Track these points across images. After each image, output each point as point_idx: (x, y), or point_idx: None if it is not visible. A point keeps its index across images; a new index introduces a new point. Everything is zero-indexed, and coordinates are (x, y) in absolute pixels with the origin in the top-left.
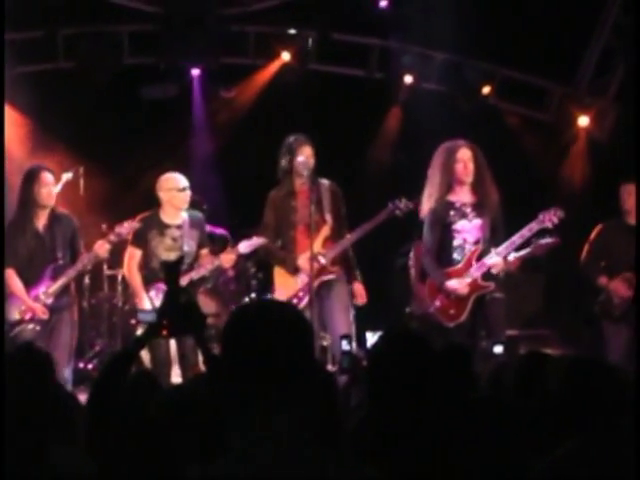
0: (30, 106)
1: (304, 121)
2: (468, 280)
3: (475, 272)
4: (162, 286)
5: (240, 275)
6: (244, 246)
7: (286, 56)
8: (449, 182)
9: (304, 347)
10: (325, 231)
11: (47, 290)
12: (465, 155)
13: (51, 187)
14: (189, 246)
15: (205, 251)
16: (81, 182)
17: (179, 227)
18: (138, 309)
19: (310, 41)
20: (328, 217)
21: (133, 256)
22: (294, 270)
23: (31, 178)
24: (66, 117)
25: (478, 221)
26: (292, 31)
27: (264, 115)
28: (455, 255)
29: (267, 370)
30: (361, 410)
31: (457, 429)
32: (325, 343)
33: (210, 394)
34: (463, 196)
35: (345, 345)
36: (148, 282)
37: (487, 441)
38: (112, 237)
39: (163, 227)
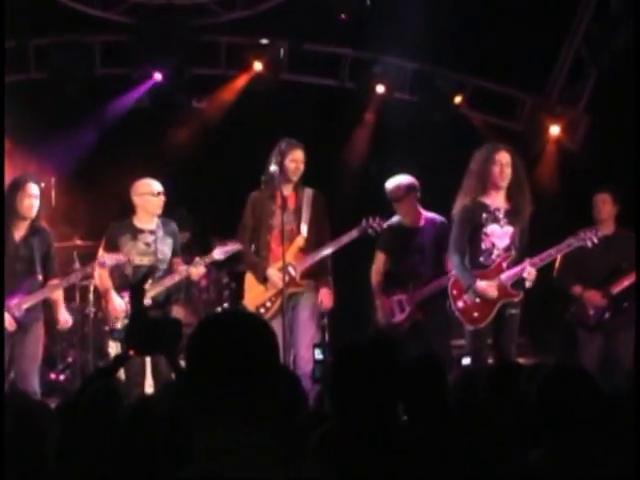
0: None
1: (276, 131)
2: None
3: (506, 279)
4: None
5: (213, 285)
6: (218, 252)
7: (258, 66)
8: (484, 184)
9: (268, 358)
10: (299, 242)
11: (20, 303)
12: (503, 159)
13: (34, 199)
14: (162, 252)
15: (178, 259)
16: (52, 193)
17: (152, 232)
18: (113, 328)
19: (282, 51)
20: (304, 228)
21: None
22: (263, 279)
23: (16, 187)
24: (38, 128)
25: (509, 228)
26: (264, 41)
27: (236, 125)
28: (481, 259)
29: (230, 381)
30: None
31: (426, 438)
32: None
33: (177, 405)
34: (498, 201)
35: (318, 354)
36: (120, 289)
37: (457, 449)
38: (96, 265)
39: (136, 232)
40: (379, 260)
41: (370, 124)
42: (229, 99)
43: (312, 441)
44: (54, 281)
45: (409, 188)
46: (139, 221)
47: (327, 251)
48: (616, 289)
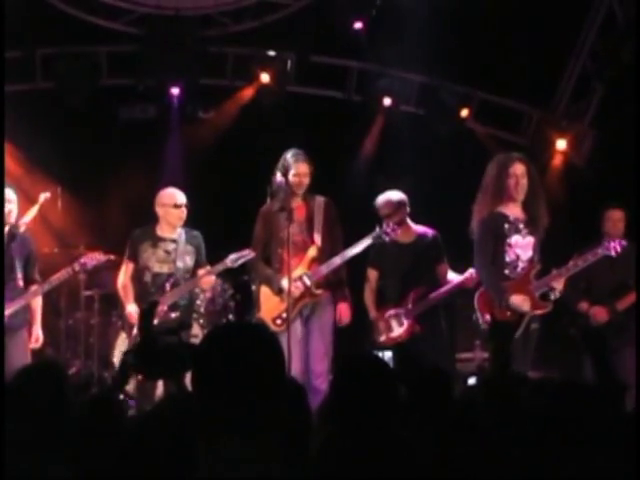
0: (7, 126)
1: (282, 143)
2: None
3: (535, 290)
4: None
5: (217, 296)
6: (233, 259)
7: (265, 78)
8: (501, 197)
9: (274, 370)
10: (312, 252)
11: None
12: (518, 170)
13: (11, 204)
14: (183, 261)
15: (203, 270)
16: (59, 202)
17: (174, 241)
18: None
19: (289, 63)
20: (317, 237)
21: (126, 270)
22: (278, 290)
23: None
24: (44, 137)
25: (531, 239)
26: (271, 53)
27: (242, 136)
28: (507, 271)
29: (234, 394)
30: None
31: (429, 451)
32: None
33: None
34: (515, 211)
35: None
36: (140, 298)
37: (460, 461)
38: (76, 266)
39: (157, 240)
40: (371, 277)
41: (376, 136)
42: (235, 110)
43: (312, 454)
44: (34, 287)
45: (399, 204)
46: (161, 230)
47: (340, 260)
48: (622, 305)
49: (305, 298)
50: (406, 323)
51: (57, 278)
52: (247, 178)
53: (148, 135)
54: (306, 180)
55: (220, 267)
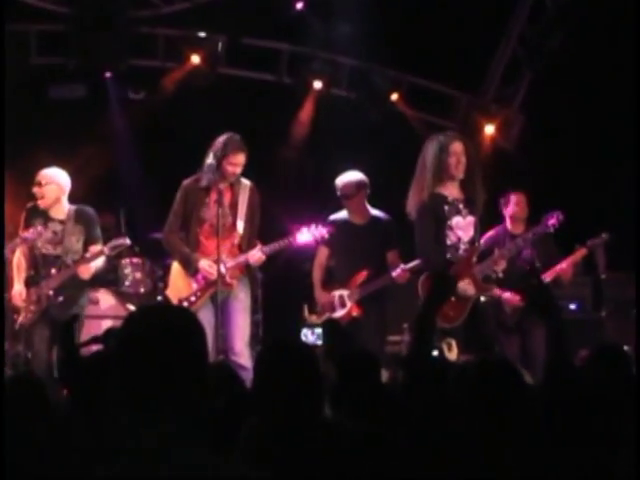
0: None
1: (213, 125)
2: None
3: (478, 273)
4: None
5: (146, 277)
6: (111, 246)
7: (196, 59)
8: (440, 176)
9: (192, 349)
10: (234, 238)
11: None
12: (458, 148)
13: None
14: (70, 243)
15: (95, 247)
16: None
17: (62, 222)
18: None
19: (220, 45)
20: (240, 224)
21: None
22: (194, 271)
23: None
24: None
25: (471, 218)
26: (202, 34)
27: (172, 118)
28: (448, 255)
29: (156, 376)
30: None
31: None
32: None
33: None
34: (454, 191)
35: None
36: (30, 279)
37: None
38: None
39: (47, 219)
40: (322, 254)
41: (307, 120)
42: (166, 91)
43: (240, 435)
44: None
45: (360, 185)
46: (50, 209)
47: (260, 255)
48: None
49: (216, 286)
50: (348, 305)
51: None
52: (177, 159)
53: (77, 115)
54: (239, 170)
55: (98, 254)
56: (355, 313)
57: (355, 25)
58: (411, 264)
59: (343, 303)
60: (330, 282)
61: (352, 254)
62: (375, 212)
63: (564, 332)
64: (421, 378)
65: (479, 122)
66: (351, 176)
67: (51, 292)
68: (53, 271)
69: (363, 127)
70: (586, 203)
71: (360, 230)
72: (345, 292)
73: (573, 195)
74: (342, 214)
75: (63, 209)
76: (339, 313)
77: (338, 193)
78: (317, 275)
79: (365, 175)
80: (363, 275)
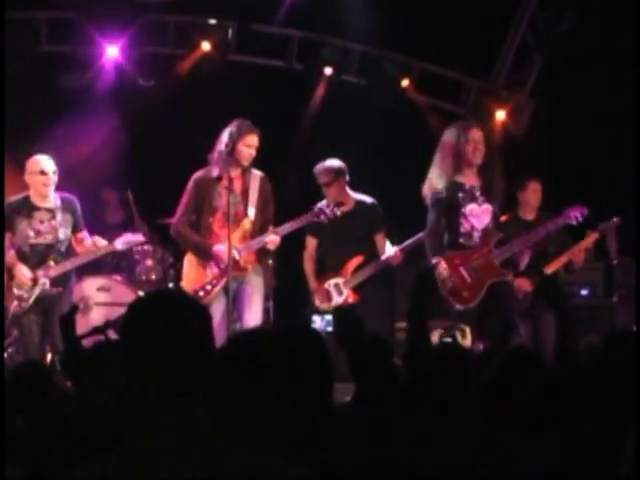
0: None
1: (223, 112)
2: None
3: (497, 258)
4: None
5: (158, 264)
6: (123, 242)
7: (206, 46)
8: (459, 163)
9: (202, 338)
10: (245, 225)
11: None
12: (477, 135)
13: None
14: (62, 232)
15: (82, 234)
16: None
17: (49, 210)
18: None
19: (230, 32)
20: (251, 211)
21: (7, 240)
22: (208, 258)
23: None
24: None
25: (487, 206)
26: (212, 21)
27: (183, 105)
28: (462, 240)
29: (162, 363)
30: None
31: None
32: None
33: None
34: (471, 178)
35: None
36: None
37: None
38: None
39: (32, 209)
40: (310, 245)
41: (317, 106)
42: (176, 78)
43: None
44: None
45: (338, 171)
46: (35, 198)
47: (273, 237)
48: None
49: (233, 272)
50: (345, 292)
51: None
52: (186, 147)
53: (85, 102)
54: (254, 152)
55: (108, 248)
56: (352, 300)
57: (365, 11)
58: (404, 243)
59: (340, 291)
60: (322, 272)
61: (341, 241)
62: (358, 196)
63: (570, 319)
64: (422, 367)
65: (490, 108)
66: (329, 163)
67: (47, 282)
68: (51, 263)
69: (373, 113)
70: (597, 188)
71: (345, 217)
72: (340, 280)
73: (584, 180)
74: (324, 203)
75: (50, 197)
76: (336, 302)
77: (318, 181)
78: (309, 266)
79: (342, 161)
80: (357, 261)
